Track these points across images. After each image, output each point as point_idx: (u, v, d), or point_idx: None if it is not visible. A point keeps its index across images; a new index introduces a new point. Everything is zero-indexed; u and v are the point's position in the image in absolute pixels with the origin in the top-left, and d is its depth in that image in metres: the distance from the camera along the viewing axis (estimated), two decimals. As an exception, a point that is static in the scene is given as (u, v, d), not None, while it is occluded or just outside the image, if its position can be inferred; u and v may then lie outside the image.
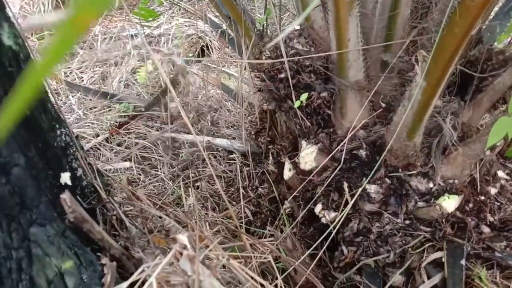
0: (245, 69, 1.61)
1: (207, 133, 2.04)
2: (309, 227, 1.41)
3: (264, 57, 1.40)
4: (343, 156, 1.21)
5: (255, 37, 1.45)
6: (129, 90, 2.53)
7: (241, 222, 1.44)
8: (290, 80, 1.26)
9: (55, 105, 0.87)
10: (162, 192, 1.76)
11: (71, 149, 0.88)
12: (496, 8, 1.45)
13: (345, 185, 1.23)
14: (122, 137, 2.09)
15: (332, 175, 1.24)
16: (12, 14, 0.81)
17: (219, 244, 0.97)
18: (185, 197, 1.54)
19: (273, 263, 0.94)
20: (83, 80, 2.65)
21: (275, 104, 1.40)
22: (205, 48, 2.86)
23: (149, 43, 2.90)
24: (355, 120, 1.24)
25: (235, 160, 1.89)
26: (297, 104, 1.27)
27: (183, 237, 0.56)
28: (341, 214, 1.15)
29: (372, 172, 1.14)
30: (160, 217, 0.82)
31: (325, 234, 1.11)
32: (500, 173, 1.32)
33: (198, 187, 1.81)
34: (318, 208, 1.31)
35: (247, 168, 1.78)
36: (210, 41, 2.86)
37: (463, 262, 1.13)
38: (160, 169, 1.92)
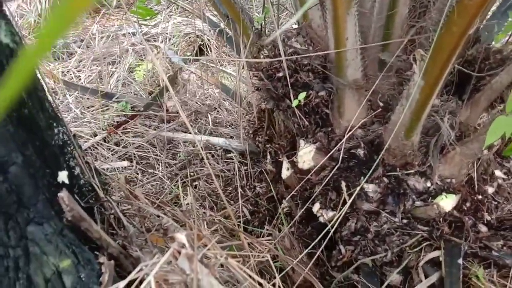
0: (243, 68, 1.61)
1: (204, 132, 2.04)
2: (307, 226, 1.41)
3: (262, 56, 1.40)
4: (341, 155, 1.21)
5: (253, 36, 1.45)
6: (127, 89, 2.52)
7: (239, 221, 1.44)
8: (288, 79, 1.26)
9: (52, 104, 0.86)
10: (160, 191, 1.76)
11: (68, 148, 0.88)
12: (493, 8, 1.46)
13: (343, 184, 1.24)
14: (120, 136, 2.09)
15: (330, 174, 1.24)
16: (9, 13, 0.81)
17: (217, 243, 0.97)
18: (183, 196, 1.54)
19: (271, 262, 0.94)
20: (80, 79, 2.65)
21: (273, 103, 1.40)
22: (203, 47, 2.86)
23: (147, 42, 2.89)
24: (353, 119, 1.24)
25: (233, 159, 1.89)
26: (295, 103, 1.27)
27: (181, 236, 0.56)
28: (339, 213, 1.15)
29: (370, 171, 1.15)
30: (158, 216, 0.82)
31: (323, 233, 1.11)
32: (498, 173, 1.32)
33: (196, 186, 1.81)
34: (316, 207, 1.31)
35: (245, 167, 1.78)
36: (208, 40, 2.86)
37: (460, 261, 1.13)
38: (158, 168, 1.92)
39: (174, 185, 1.79)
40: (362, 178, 1.21)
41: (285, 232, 1.32)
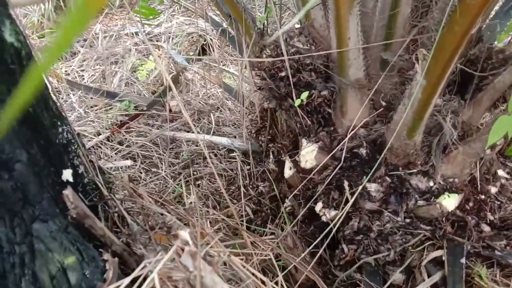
0: (245, 67, 1.62)
1: (207, 131, 2.05)
2: (309, 225, 1.42)
3: (264, 56, 1.41)
4: (343, 155, 1.21)
5: (256, 35, 1.46)
6: (130, 88, 2.53)
7: (242, 220, 1.45)
8: (290, 79, 1.26)
9: (56, 103, 0.87)
10: (163, 190, 1.76)
11: (72, 147, 0.88)
12: (496, 7, 1.46)
13: (346, 183, 1.24)
14: (123, 136, 2.10)
15: (333, 174, 1.25)
16: (13, 12, 0.81)
17: (220, 242, 0.97)
18: (186, 195, 1.54)
19: (273, 260, 0.94)
20: (83, 79, 2.66)
21: (275, 103, 1.40)
22: (205, 47, 2.86)
23: (150, 41, 2.90)
24: (356, 118, 1.24)
25: (235, 158, 1.90)
26: (297, 102, 1.27)
27: (184, 233, 0.56)
28: (342, 212, 1.15)
29: (372, 170, 1.15)
30: (162, 214, 0.83)
31: (325, 232, 1.11)
32: (500, 172, 1.32)
33: (199, 185, 1.82)
34: (318, 207, 1.31)
35: (248, 167, 1.79)
36: (211, 39, 2.86)
37: (463, 260, 1.13)
38: (161, 167, 1.93)
39: (177, 184, 1.79)
40: (364, 177, 1.21)
41: (287, 231, 1.32)
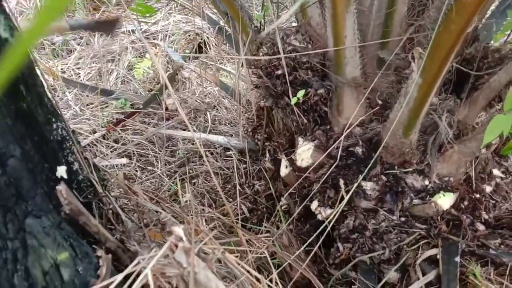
0: (242, 65, 1.61)
1: (204, 130, 2.04)
2: (305, 224, 1.42)
3: (261, 54, 1.40)
4: (339, 153, 1.21)
5: (252, 33, 1.46)
6: (126, 87, 2.52)
7: (237, 219, 1.45)
8: (287, 77, 1.26)
9: (51, 100, 0.87)
10: (159, 188, 1.76)
11: (67, 143, 0.88)
12: (492, 7, 1.46)
13: (341, 182, 1.24)
14: (119, 134, 2.09)
15: (329, 172, 1.25)
16: (8, 9, 0.81)
17: (215, 239, 0.97)
18: (182, 193, 1.54)
19: (268, 258, 0.94)
20: (79, 76, 2.65)
21: (272, 101, 1.40)
22: (202, 45, 2.86)
23: (147, 39, 2.89)
24: (352, 117, 1.24)
25: (232, 157, 1.90)
26: (294, 101, 1.27)
27: (178, 229, 0.56)
28: (337, 210, 1.15)
29: (367, 168, 1.15)
30: (156, 211, 0.82)
31: (319, 230, 1.11)
32: (496, 171, 1.33)
33: (194, 184, 1.81)
34: (314, 205, 1.31)
35: (244, 165, 1.79)
36: (208, 38, 2.86)
37: (457, 259, 1.14)
38: (157, 165, 1.92)
39: (173, 182, 1.79)
40: (360, 176, 1.21)
41: (283, 230, 1.32)
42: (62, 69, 2.71)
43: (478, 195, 1.25)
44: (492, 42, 1.31)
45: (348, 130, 1.23)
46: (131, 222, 0.79)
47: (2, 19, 0.74)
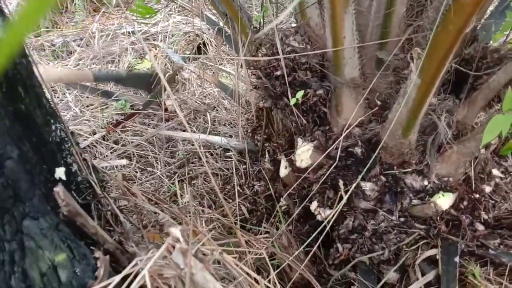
0: (241, 66, 1.61)
1: (203, 130, 2.04)
2: (304, 224, 1.42)
3: (260, 55, 1.41)
4: (338, 154, 1.21)
5: (252, 34, 1.46)
6: (126, 88, 2.52)
7: (237, 219, 1.45)
8: (286, 78, 1.26)
9: (50, 101, 0.87)
10: (158, 189, 1.76)
11: (66, 145, 0.88)
12: (491, 7, 1.46)
13: (341, 182, 1.24)
14: (119, 135, 2.09)
15: (328, 173, 1.25)
16: (8, 10, 0.81)
17: (214, 241, 0.97)
18: (181, 194, 1.54)
19: (267, 259, 0.94)
20: (80, 78, 2.64)
21: (271, 102, 1.40)
22: (202, 46, 2.86)
23: (146, 40, 2.89)
24: (351, 117, 1.24)
25: (231, 158, 1.90)
26: (293, 101, 1.27)
27: (176, 231, 0.56)
28: (335, 210, 1.15)
29: (365, 168, 1.15)
30: (155, 213, 0.82)
31: (318, 230, 1.11)
32: (495, 171, 1.32)
33: (194, 185, 1.81)
34: (313, 206, 1.31)
35: (244, 166, 1.79)
36: (208, 39, 2.86)
37: (457, 259, 1.14)
38: (157, 166, 1.92)
39: (173, 183, 1.79)
40: (359, 176, 1.21)
41: (282, 230, 1.32)
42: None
43: (477, 195, 1.25)
44: (491, 42, 1.31)
45: (347, 131, 1.23)
46: (129, 224, 0.79)
47: (0, 20, 0.74)
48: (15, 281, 0.56)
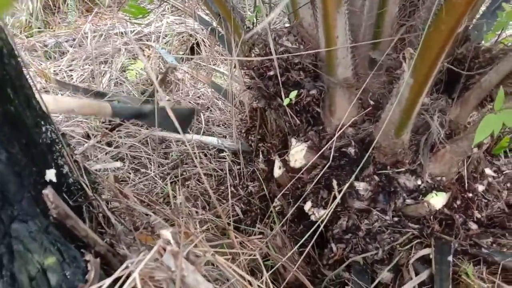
0: (235, 67, 1.61)
1: (197, 131, 2.04)
2: (299, 224, 1.42)
3: (253, 55, 1.40)
4: (331, 154, 1.21)
5: (245, 34, 1.45)
6: (119, 88, 2.51)
7: (231, 220, 1.44)
8: (279, 78, 1.26)
9: (40, 102, 0.86)
10: (152, 191, 1.75)
11: (57, 146, 0.87)
12: (483, 7, 1.47)
13: (334, 182, 1.24)
14: (112, 137, 2.08)
15: (322, 173, 1.24)
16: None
17: (207, 242, 0.96)
18: (174, 195, 1.53)
19: (260, 260, 0.94)
20: (72, 78, 2.63)
21: (264, 102, 1.40)
22: (195, 46, 2.85)
23: (140, 40, 2.88)
24: (344, 117, 1.24)
25: (225, 158, 1.89)
26: (286, 102, 1.27)
27: (166, 233, 0.56)
28: (328, 210, 1.15)
29: (358, 168, 1.15)
30: (147, 214, 0.82)
31: (312, 230, 1.11)
32: (488, 171, 1.33)
33: (188, 186, 1.81)
34: (307, 206, 1.31)
35: (238, 167, 1.78)
36: (202, 39, 2.85)
37: (450, 258, 1.14)
38: (150, 167, 1.91)
39: (166, 184, 1.78)
40: (353, 176, 1.21)
41: (276, 231, 1.32)
42: (54, 71, 2.69)
43: (470, 194, 1.26)
44: (483, 42, 1.32)
45: (341, 131, 1.23)
46: (121, 226, 0.78)
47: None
48: (3, 285, 0.55)
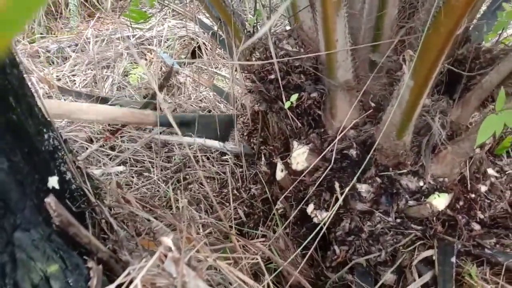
0: (236, 70, 1.62)
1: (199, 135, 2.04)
2: (301, 227, 1.42)
3: (254, 59, 1.41)
4: (333, 156, 1.21)
5: (245, 38, 1.46)
6: (122, 93, 2.52)
7: (233, 224, 1.44)
8: (280, 81, 1.26)
9: (42, 109, 0.87)
10: (155, 195, 1.76)
11: (59, 153, 0.88)
12: (484, 7, 1.47)
13: (337, 185, 1.24)
14: (115, 141, 2.09)
15: (324, 175, 1.25)
16: None
17: (210, 246, 0.97)
18: (176, 199, 1.54)
19: (262, 264, 0.94)
20: (75, 83, 2.65)
21: (265, 105, 1.40)
22: (197, 50, 2.86)
23: (142, 45, 2.89)
24: (345, 120, 1.24)
25: (228, 161, 1.89)
26: (287, 105, 1.27)
27: (167, 240, 0.56)
28: (331, 212, 1.15)
29: (360, 170, 1.15)
30: (149, 220, 0.82)
31: (314, 232, 1.11)
32: (490, 171, 1.33)
33: (191, 189, 1.81)
34: (310, 208, 1.31)
35: (240, 169, 1.79)
36: (203, 43, 2.86)
37: (453, 259, 1.14)
38: (153, 171, 1.92)
39: (169, 189, 1.79)
40: (355, 178, 1.21)
41: (279, 233, 1.32)
42: (57, 76, 2.71)
43: (473, 195, 1.25)
44: (483, 42, 1.32)
45: (342, 133, 1.24)
46: (124, 231, 0.79)
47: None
48: (7, 293, 0.56)
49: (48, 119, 0.86)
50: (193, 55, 2.83)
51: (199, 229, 1.21)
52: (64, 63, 2.83)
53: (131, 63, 2.74)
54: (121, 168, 1.82)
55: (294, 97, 1.27)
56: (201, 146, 1.94)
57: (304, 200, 1.31)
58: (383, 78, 1.24)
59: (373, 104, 1.28)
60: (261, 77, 1.35)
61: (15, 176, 0.62)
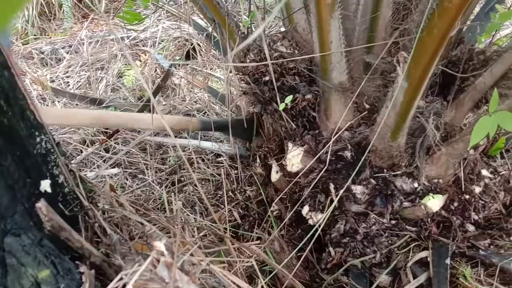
0: (230, 72, 1.61)
1: (194, 136, 2.03)
2: (296, 229, 1.42)
3: (248, 60, 1.40)
4: (328, 158, 1.21)
5: (239, 40, 1.45)
6: (116, 94, 2.51)
7: (228, 226, 1.44)
8: (274, 83, 1.26)
9: (34, 112, 0.86)
10: (149, 197, 1.75)
11: (52, 156, 0.87)
12: (477, 9, 1.47)
13: (332, 186, 1.24)
14: (109, 143, 2.07)
15: (318, 177, 1.24)
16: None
17: (205, 249, 0.96)
18: (170, 202, 1.53)
19: (256, 267, 0.94)
20: (69, 85, 2.63)
21: (260, 107, 1.40)
22: (191, 51, 2.85)
23: (136, 46, 2.88)
24: (340, 121, 1.24)
25: (223, 163, 1.89)
26: (282, 106, 1.27)
27: (160, 244, 0.56)
28: (326, 214, 1.15)
29: (355, 171, 1.15)
30: (142, 224, 0.82)
31: (310, 234, 1.11)
32: (484, 172, 1.33)
33: (186, 192, 1.80)
34: (305, 210, 1.31)
35: (235, 171, 1.78)
36: (198, 44, 2.86)
37: (448, 261, 1.14)
38: (147, 173, 1.91)
39: (163, 191, 1.78)
40: (350, 180, 1.21)
41: (274, 236, 1.32)
42: (51, 78, 2.69)
43: (467, 196, 1.26)
44: (477, 44, 1.32)
45: (337, 135, 1.23)
46: (117, 235, 0.78)
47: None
48: (-3, 299, 0.55)
49: (40, 122, 0.86)
50: (188, 56, 2.82)
51: (193, 232, 1.20)
52: (58, 65, 2.81)
53: (125, 64, 2.73)
54: (115, 170, 1.81)
55: (288, 98, 1.26)
56: (195, 148, 1.94)
57: (299, 202, 1.31)
58: (377, 80, 1.24)
59: (367, 106, 1.28)
60: (255, 79, 1.35)
61: (6, 180, 0.62)
